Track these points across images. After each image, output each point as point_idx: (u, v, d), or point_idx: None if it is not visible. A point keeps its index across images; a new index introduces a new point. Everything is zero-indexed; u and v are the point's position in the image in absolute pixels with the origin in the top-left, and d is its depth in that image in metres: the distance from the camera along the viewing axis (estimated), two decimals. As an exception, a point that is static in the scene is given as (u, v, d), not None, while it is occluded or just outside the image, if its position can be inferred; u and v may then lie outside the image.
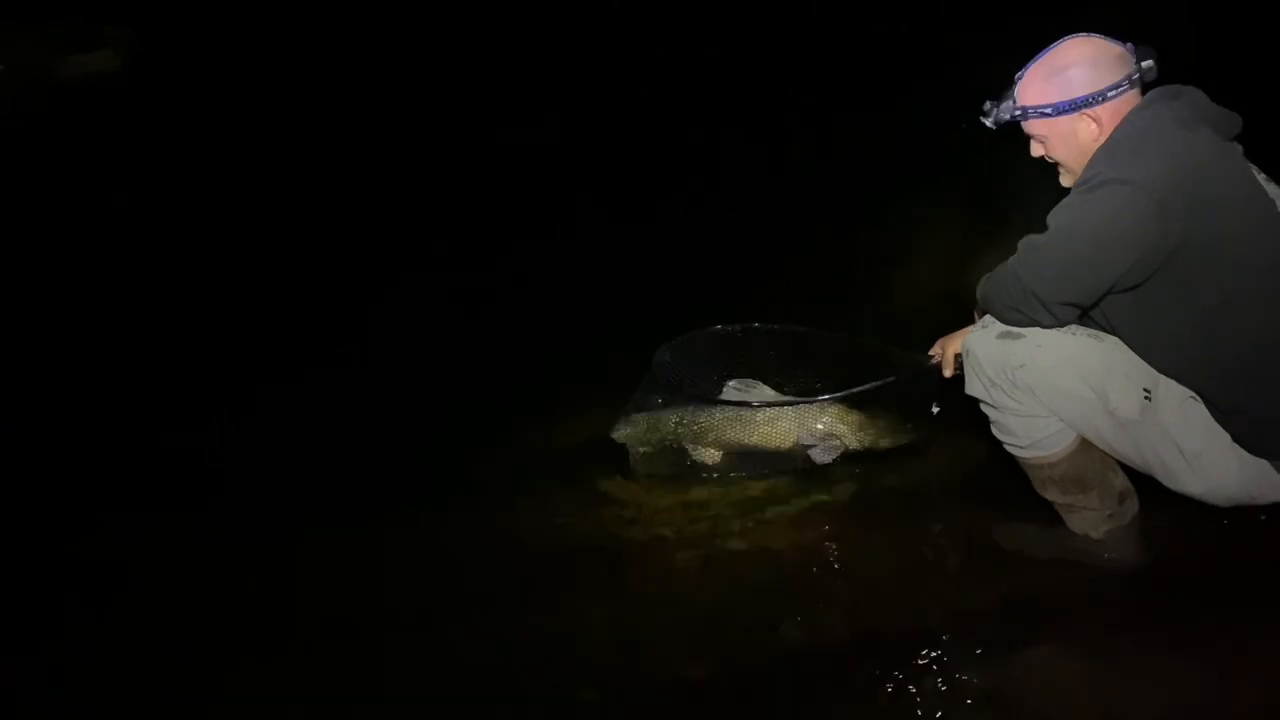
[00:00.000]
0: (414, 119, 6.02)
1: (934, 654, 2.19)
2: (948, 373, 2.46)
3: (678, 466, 2.82)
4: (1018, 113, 2.22)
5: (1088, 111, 2.15)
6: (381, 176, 5.29)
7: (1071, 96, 2.16)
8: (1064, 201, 2.17)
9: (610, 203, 4.53)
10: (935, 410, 2.65)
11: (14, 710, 2.28)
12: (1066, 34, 2.21)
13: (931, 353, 2.53)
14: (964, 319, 2.45)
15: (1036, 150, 2.28)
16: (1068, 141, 2.20)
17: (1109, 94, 2.14)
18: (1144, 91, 2.18)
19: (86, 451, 3.16)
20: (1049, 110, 2.18)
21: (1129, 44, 2.18)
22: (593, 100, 5.92)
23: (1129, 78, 2.15)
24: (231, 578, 2.60)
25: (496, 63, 6.74)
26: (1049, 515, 2.41)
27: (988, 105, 2.27)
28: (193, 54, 6.98)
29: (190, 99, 6.33)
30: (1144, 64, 2.16)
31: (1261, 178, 2.18)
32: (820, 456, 2.73)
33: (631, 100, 5.87)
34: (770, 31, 6.91)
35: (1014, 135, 2.30)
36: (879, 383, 2.64)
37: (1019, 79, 2.23)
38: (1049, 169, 2.30)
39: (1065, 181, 2.28)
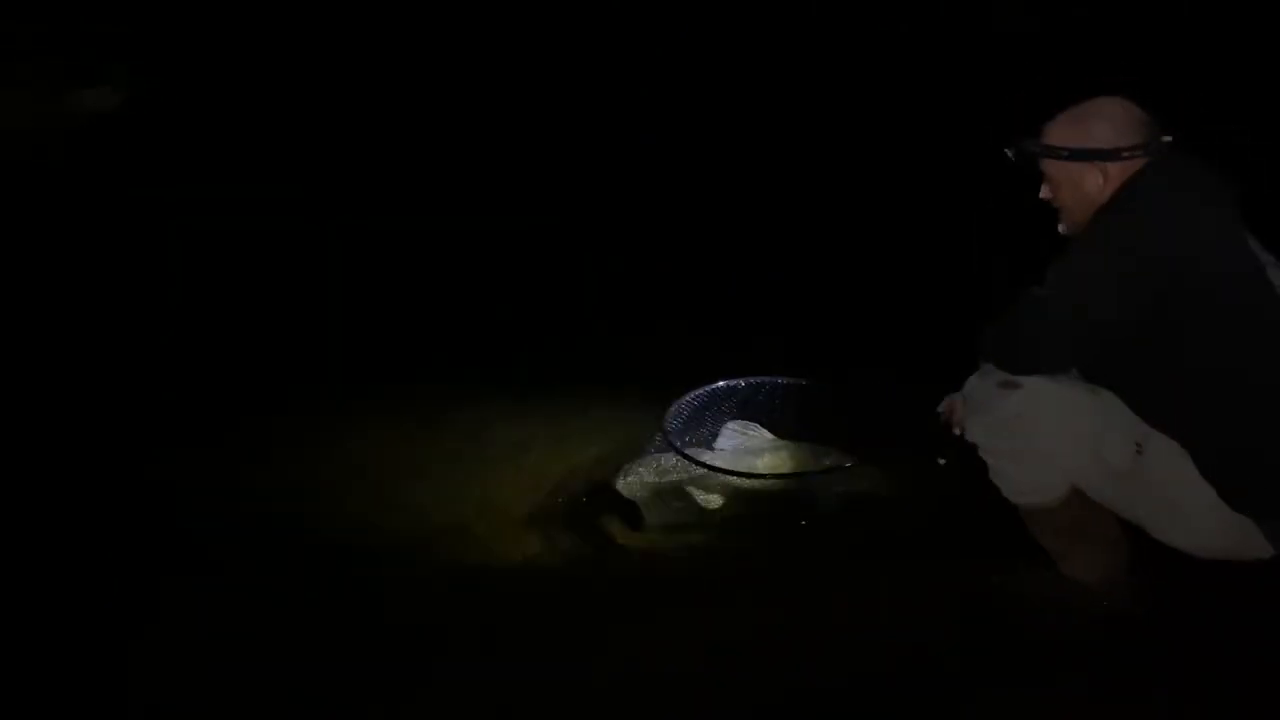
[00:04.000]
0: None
1: (929, 700, 2.22)
2: (957, 431, 2.49)
3: (684, 513, 2.87)
4: (1037, 148, 2.31)
5: (1099, 164, 2.24)
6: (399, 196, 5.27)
7: (1088, 145, 2.25)
8: (1064, 255, 2.27)
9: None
10: (942, 463, 2.72)
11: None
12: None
13: (940, 409, 2.57)
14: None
15: (1045, 192, 2.36)
16: (1074, 189, 2.28)
17: (1123, 153, 2.23)
18: None
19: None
20: (1065, 153, 2.27)
21: (1153, 116, 2.27)
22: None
23: (1145, 145, 2.24)
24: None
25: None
26: (1045, 562, 2.46)
27: (1015, 137, 2.34)
28: (191, 87, 7.01)
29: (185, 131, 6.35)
30: (1163, 138, 2.25)
31: (1254, 244, 2.28)
32: (821, 493, 2.82)
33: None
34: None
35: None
36: (895, 452, 2.76)
37: (1050, 120, 2.32)
38: None
39: (1062, 228, 2.36)
